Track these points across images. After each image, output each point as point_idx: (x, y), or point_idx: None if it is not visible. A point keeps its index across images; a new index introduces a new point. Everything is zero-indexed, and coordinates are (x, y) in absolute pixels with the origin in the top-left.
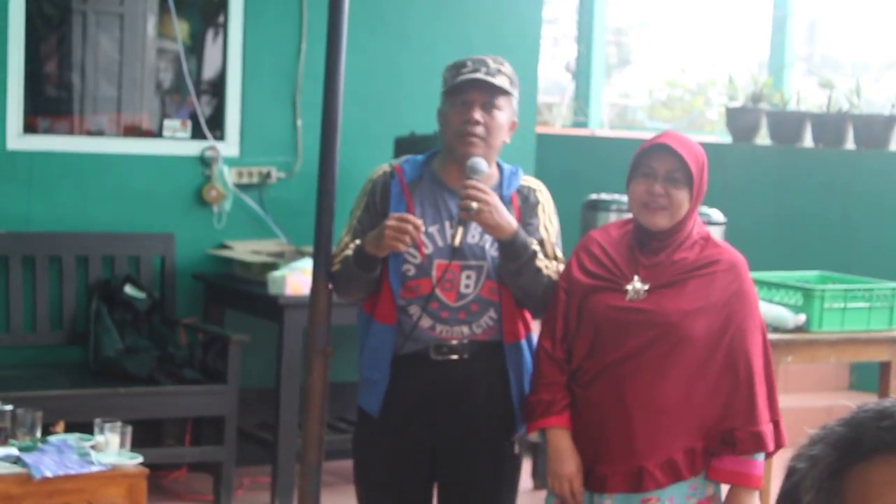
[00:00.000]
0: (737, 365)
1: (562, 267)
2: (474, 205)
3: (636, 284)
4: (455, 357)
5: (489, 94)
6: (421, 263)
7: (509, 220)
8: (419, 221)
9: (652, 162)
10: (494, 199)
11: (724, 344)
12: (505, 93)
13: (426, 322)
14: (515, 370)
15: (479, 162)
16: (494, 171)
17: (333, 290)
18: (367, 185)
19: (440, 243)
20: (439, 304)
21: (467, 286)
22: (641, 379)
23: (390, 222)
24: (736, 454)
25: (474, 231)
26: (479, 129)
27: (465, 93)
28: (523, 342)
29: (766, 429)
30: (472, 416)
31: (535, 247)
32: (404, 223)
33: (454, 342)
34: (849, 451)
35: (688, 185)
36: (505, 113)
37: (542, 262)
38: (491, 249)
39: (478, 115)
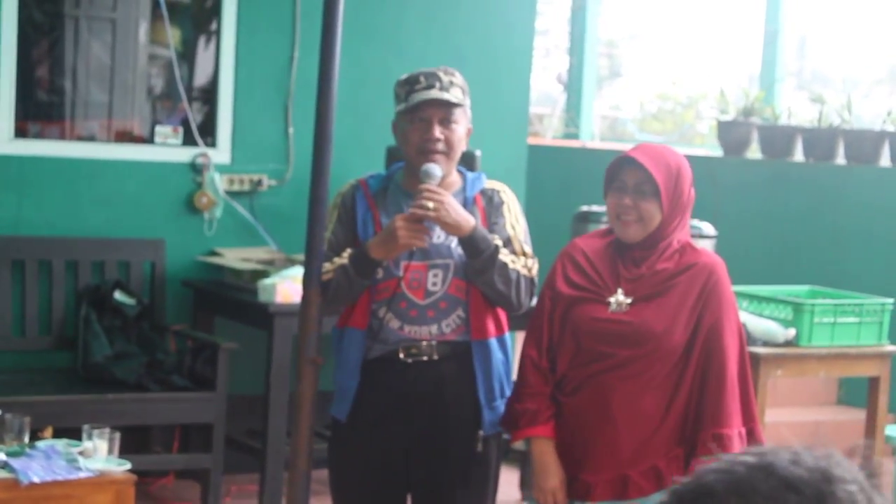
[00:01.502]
0: (709, 365)
1: (531, 262)
2: (430, 204)
3: (619, 297)
4: (424, 359)
5: (445, 110)
6: (388, 266)
7: (466, 216)
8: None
9: (622, 175)
10: (449, 197)
11: (698, 344)
12: (460, 106)
13: (395, 322)
14: (483, 368)
15: (433, 167)
16: (457, 178)
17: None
18: (336, 199)
19: None
20: (407, 303)
21: (434, 284)
22: (625, 389)
23: (399, 223)
24: (697, 456)
25: (439, 231)
26: (440, 146)
27: (423, 110)
28: (492, 341)
29: (733, 432)
30: (442, 418)
31: (498, 241)
32: (413, 220)
33: (423, 342)
34: None
35: (656, 197)
36: (462, 125)
37: (507, 256)
38: (457, 248)
39: (437, 132)
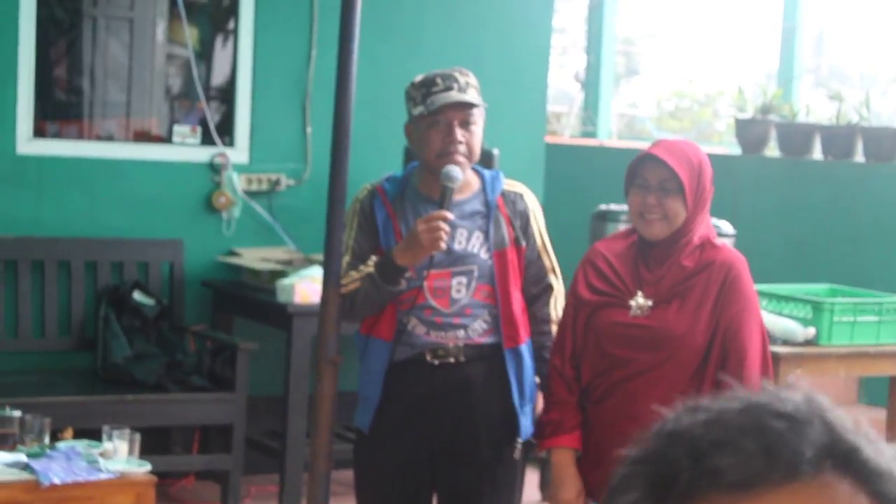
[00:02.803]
0: (726, 364)
1: (558, 286)
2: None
3: (639, 300)
4: (451, 360)
5: (466, 112)
6: (410, 276)
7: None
8: (445, 213)
9: (644, 173)
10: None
11: (716, 343)
12: (479, 106)
13: (420, 329)
14: (517, 375)
15: (454, 170)
16: (474, 179)
17: (347, 312)
18: (354, 205)
19: None
20: (432, 311)
21: (459, 291)
22: (652, 394)
23: (420, 227)
24: None
25: (461, 237)
26: (462, 148)
27: (444, 113)
28: (523, 346)
29: None
30: (470, 420)
31: (545, 352)
32: (433, 221)
33: (450, 345)
34: (666, 494)
35: (681, 194)
36: (480, 126)
37: (552, 333)
38: (479, 253)
39: (459, 135)
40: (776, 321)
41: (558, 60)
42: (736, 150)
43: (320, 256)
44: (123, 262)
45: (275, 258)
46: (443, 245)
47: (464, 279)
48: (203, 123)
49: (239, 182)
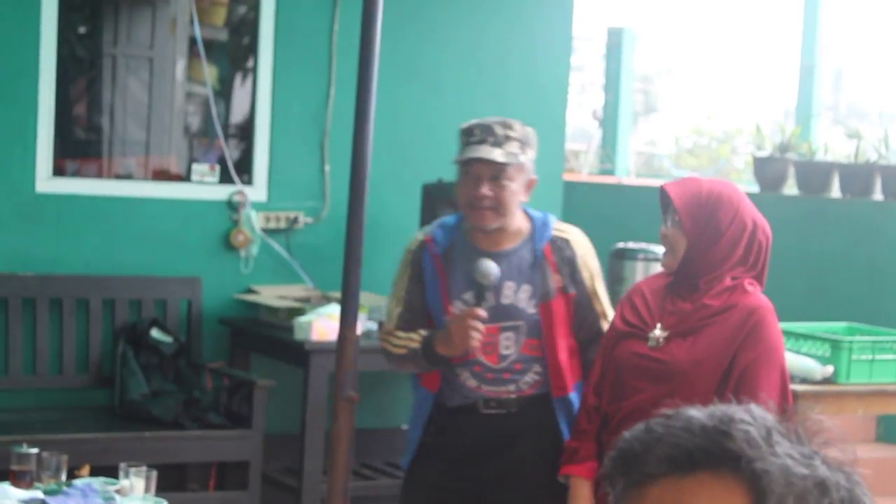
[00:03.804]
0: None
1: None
2: None
3: (656, 332)
4: (504, 411)
5: (495, 167)
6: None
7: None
8: (478, 311)
9: (666, 205)
10: None
11: (730, 386)
12: (511, 164)
13: (472, 382)
14: (568, 420)
15: (489, 265)
16: (524, 225)
17: (396, 367)
18: (406, 256)
19: None
20: (483, 368)
21: (507, 347)
22: None
23: (453, 325)
24: None
25: (507, 291)
26: (488, 203)
27: (472, 166)
28: (572, 395)
29: None
30: (519, 466)
31: None
32: (466, 321)
33: (503, 397)
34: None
35: (679, 226)
36: (516, 181)
37: None
38: (526, 308)
39: (486, 189)
40: (794, 359)
41: (576, 98)
42: (754, 188)
43: (338, 294)
44: (141, 299)
45: (292, 296)
46: (475, 344)
47: (511, 335)
48: (222, 161)
49: (257, 220)
